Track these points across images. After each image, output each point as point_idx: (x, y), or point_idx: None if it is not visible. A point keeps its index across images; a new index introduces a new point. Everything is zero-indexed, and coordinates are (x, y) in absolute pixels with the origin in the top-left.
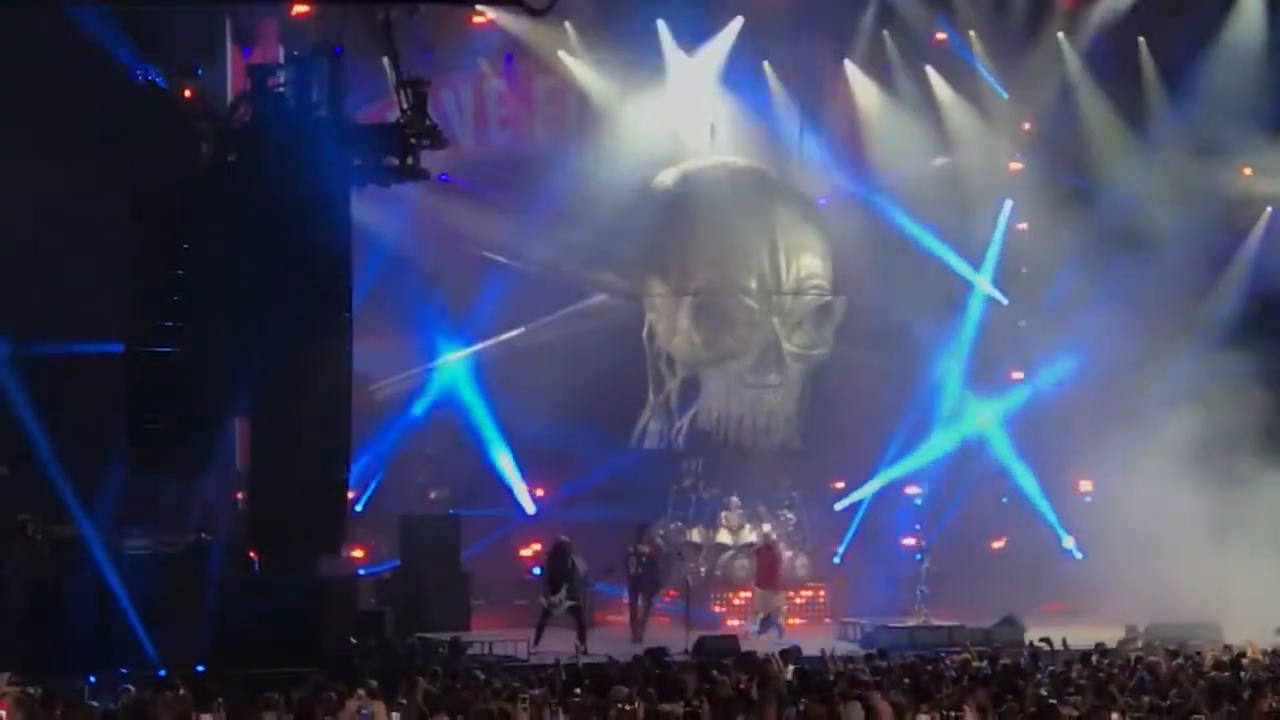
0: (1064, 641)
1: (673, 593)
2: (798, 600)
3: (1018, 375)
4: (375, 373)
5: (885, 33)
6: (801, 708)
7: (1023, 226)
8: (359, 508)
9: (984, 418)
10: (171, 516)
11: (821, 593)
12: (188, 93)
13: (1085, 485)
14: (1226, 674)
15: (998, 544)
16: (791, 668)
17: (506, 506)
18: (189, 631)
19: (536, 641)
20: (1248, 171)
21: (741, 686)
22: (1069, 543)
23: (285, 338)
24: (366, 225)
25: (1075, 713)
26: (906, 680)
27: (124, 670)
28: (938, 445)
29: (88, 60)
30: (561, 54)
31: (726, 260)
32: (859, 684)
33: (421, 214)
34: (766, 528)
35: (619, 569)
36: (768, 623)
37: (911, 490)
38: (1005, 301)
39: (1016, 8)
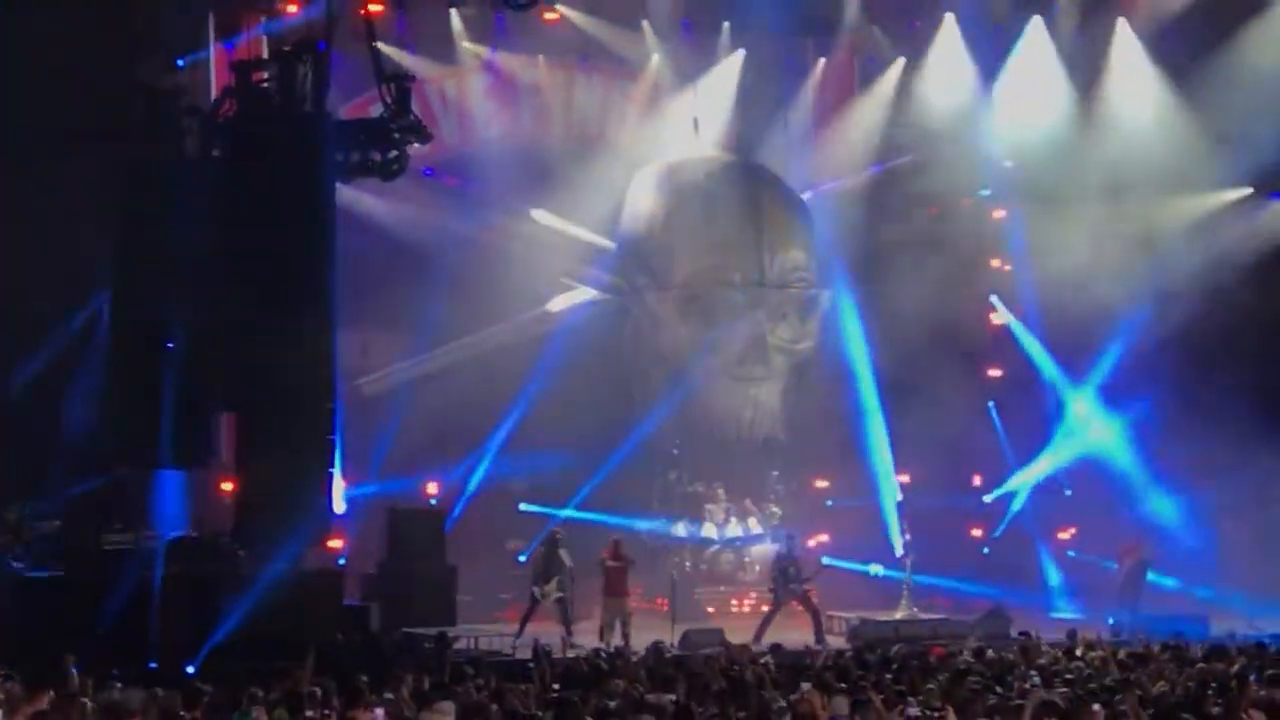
0: (1035, 634)
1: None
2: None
3: None
4: (361, 367)
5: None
6: (789, 701)
7: None
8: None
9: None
10: (154, 510)
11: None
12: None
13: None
14: (1216, 665)
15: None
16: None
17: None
18: (173, 627)
19: (520, 634)
20: None
21: (728, 678)
22: None
23: (270, 331)
24: (350, 219)
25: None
26: (893, 674)
27: (115, 672)
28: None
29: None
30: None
31: (712, 253)
32: (846, 677)
33: (405, 208)
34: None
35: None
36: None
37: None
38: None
39: None
